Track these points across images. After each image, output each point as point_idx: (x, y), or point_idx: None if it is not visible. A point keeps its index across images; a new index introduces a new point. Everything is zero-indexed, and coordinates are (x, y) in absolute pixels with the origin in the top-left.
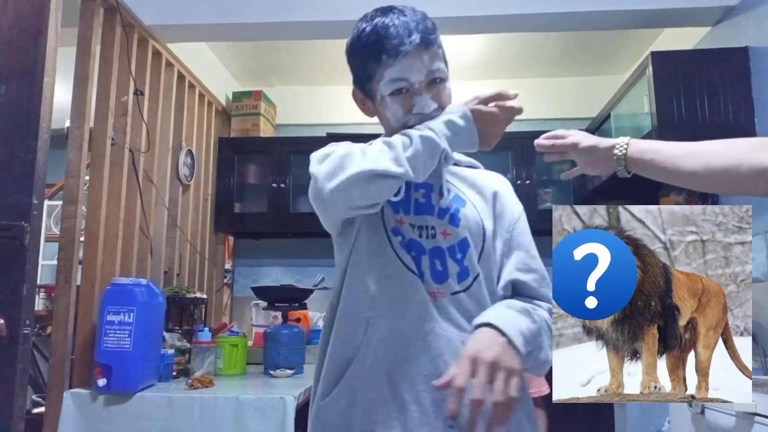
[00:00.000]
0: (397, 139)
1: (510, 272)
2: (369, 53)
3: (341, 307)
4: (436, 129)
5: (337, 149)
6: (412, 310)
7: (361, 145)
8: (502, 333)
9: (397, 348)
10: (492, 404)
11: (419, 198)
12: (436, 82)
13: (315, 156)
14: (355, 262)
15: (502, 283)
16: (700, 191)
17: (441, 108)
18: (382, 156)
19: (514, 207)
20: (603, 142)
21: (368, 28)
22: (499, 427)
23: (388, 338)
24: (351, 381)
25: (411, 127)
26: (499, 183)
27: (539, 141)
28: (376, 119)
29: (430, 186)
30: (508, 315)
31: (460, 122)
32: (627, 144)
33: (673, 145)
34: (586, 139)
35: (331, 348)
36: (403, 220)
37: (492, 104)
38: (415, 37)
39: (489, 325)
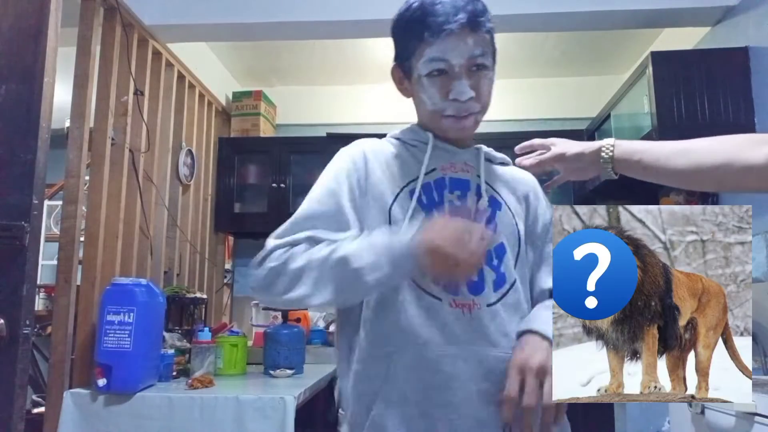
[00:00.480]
0: (323, 267)
1: (545, 280)
2: (412, 29)
3: (360, 344)
4: (367, 264)
5: (278, 258)
6: (434, 334)
7: (298, 258)
8: (545, 337)
9: (424, 377)
10: (542, 408)
11: (454, 200)
12: (477, 68)
13: (269, 244)
14: (368, 301)
15: (536, 290)
16: (690, 190)
17: (479, 99)
18: (304, 283)
19: (546, 212)
20: (588, 146)
21: (415, 4)
22: (551, 430)
23: (413, 368)
24: (380, 421)
25: (447, 116)
26: (531, 184)
27: (523, 161)
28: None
29: (467, 184)
30: (547, 317)
31: (398, 260)
32: (613, 146)
33: (662, 144)
34: (572, 147)
35: (353, 388)
36: None
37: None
38: (462, 17)
39: (531, 331)
